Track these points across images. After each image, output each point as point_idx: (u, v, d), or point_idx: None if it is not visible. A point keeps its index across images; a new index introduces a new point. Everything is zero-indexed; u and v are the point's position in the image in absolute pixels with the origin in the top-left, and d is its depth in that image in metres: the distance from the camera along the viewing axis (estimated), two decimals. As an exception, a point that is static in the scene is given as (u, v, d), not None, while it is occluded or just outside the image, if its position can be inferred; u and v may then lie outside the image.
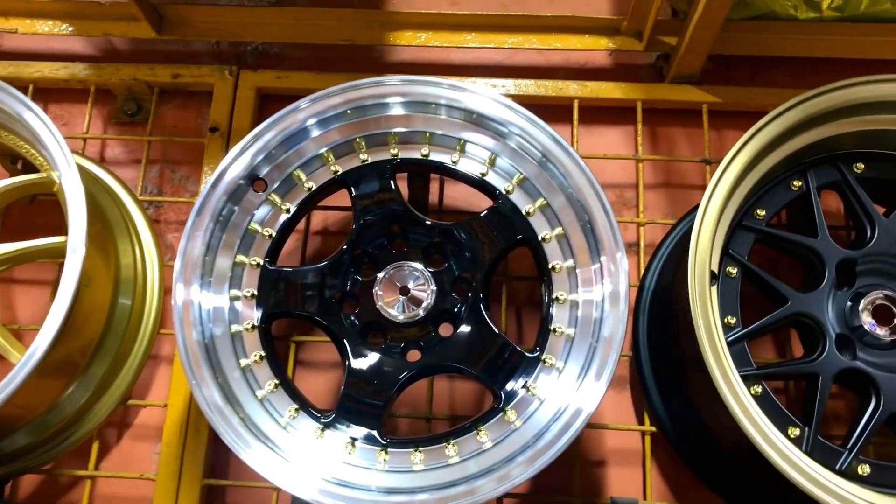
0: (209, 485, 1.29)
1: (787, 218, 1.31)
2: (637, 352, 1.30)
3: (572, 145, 1.51)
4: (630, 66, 1.60)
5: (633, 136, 1.48)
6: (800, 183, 1.16)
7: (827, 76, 1.19)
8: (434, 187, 1.45)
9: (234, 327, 1.10)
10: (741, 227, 1.15)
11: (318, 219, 1.49)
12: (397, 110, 1.18)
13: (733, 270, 1.13)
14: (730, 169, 1.06)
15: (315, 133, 1.17)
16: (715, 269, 1.07)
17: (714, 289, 1.07)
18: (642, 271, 1.36)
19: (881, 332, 1.10)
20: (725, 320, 1.10)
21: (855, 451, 1.05)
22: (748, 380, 1.08)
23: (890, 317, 1.10)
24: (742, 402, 0.97)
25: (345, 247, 1.15)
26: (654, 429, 1.28)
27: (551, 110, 1.52)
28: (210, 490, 1.31)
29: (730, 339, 1.09)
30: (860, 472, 1.04)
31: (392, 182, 1.17)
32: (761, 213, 1.15)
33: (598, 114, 1.55)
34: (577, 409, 1.02)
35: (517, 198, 1.17)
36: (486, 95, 1.15)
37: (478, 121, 1.16)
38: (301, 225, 1.41)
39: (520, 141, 1.14)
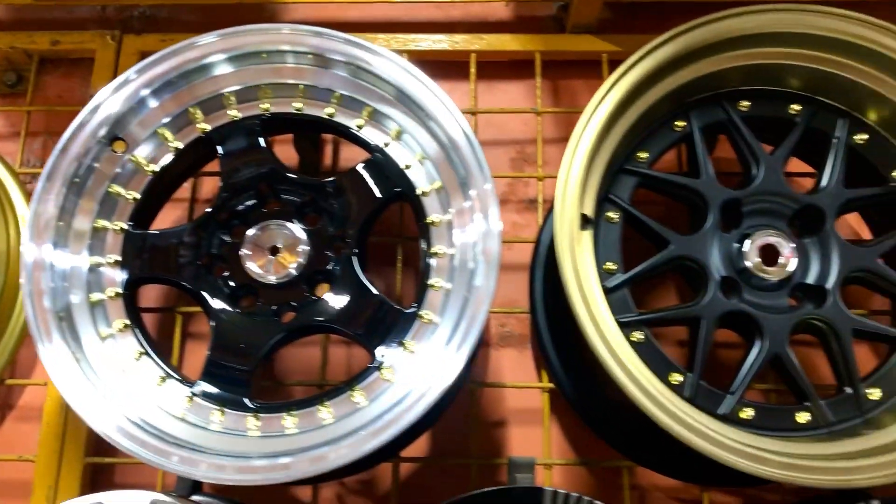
0: (93, 463, 1.24)
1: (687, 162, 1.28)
2: (534, 308, 1.27)
3: (473, 101, 1.49)
4: (532, 19, 1.55)
5: (534, 90, 1.43)
6: (683, 123, 1.12)
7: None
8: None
9: (96, 296, 1.05)
10: (623, 171, 1.11)
11: (212, 185, 1.44)
12: (273, 62, 1.13)
13: (614, 215, 1.09)
14: (600, 110, 1.02)
15: (175, 91, 1.12)
16: (590, 213, 1.03)
17: (589, 234, 1.03)
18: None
19: (768, 272, 1.06)
20: (605, 266, 1.07)
21: (738, 394, 1.02)
22: (628, 326, 1.04)
23: (776, 257, 1.07)
24: (611, 347, 0.93)
25: (209, 210, 1.10)
26: (551, 385, 1.24)
27: (451, 66, 1.48)
28: (95, 469, 1.26)
29: (610, 285, 1.05)
30: (743, 415, 1.01)
31: (261, 139, 1.12)
32: (643, 155, 1.11)
33: (498, 68, 1.51)
34: (451, 361, 0.98)
35: (396, 151, 1.12)
36: (339, 38, 1.10)
37: (326, 62, 1.11)
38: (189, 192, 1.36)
39: (375, 80, 1.10)
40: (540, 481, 1.20)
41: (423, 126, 1.09)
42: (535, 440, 1.29)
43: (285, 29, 1.12)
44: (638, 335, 1.04)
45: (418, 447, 1.30)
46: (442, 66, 1.46)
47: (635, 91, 1.05)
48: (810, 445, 0.97)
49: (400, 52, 1.44)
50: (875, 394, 1.02)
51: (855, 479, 0.89)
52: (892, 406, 1.01)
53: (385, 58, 1.09)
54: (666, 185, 1.11)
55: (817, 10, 1.09)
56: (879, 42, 1.07)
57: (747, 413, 1.01)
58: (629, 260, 1.08)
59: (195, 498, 1.08)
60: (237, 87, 1.14)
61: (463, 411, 1.26)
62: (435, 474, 1.30)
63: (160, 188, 1.15)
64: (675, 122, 1.12)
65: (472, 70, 1.43)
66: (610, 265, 1.07)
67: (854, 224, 1.36)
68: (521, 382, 1.30)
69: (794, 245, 1.07)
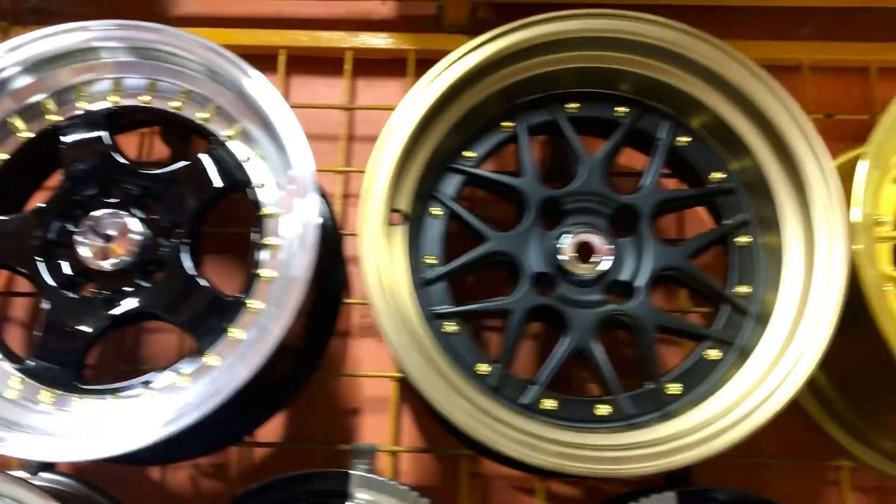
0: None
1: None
2: (381, 299, 1.30)
3: (351, 99, 1.53)
4: (413, 18, 1.59)
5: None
6: (511, 124, 1.16)
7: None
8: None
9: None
10: (450, 169, 1.14)
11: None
12: (113, 55, 1.17)
13: (438, 211, 1.13)
14: (415, 106, 1.06)
15: (30, 80, 1.16)
16: (406, 208, 1.07)
17: (404, 228, 1.07)
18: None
19: (582, 269, 1.10)
20: (425, 259, 1.10)
21: (542, 385, 1.05)
22: (444, 317, 1.08)
23: (591, 254, 1.11)
24: (402, 336, 0.97)
25: (50, 198, 1.14)
26: (401, 374, 1.28)
27: (329, 63, 1.52)
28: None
29: (429, 277, 1.09)
30: (546, 405, 1.05)
31: (105, 131, 1.16)
32: (470, 154, 1.15)
33: (378, 66, 1.54)
34: (267, 346, 1.02)
35: (237, 146, 1.16)
36: (186, 39, 1.14)
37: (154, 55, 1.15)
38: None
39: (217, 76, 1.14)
40: (382, 468, 1.25)
41: (260, 121, 1.13)
42: (387, 428, 1.33)
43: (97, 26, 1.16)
44: (452, 326, 1.08)
45: (273, 432, 1.34)
46: (316, 62, 1.50)
47: (456, 88, 1.09)
48: (609, 436, 1.01)
49: (279, 47, 1.49)
50: (674, 388, 1.06)
51: (622, 468, 0.93)
52: (690, 401, 1.04)
53: (223, 57, 1.13)
54: (490, 184, 1.15)
55: (644, 17, 1.11)
56: (697, 51, 1.10)
57: (550, 404, 1.05)
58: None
59: (43, 475, 1.13)
60: (87, 79, 1.18)
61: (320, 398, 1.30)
62: (290, 459, 1.34)
63: (14, 178, 1.19)
64: (503, 123, 1.16)
65: (347, 67, 1.47)
66: (430, 259, 1.10)
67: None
68: (371, 371, 1.34)
69: (610, 243, 1.11)
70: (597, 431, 1.02)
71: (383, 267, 1.01)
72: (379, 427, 1.35)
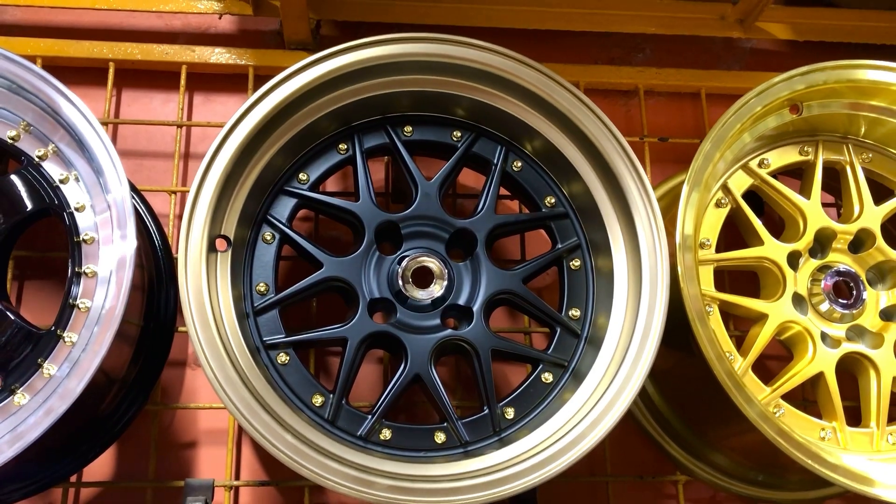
0: None
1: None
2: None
3: (187, 116, 1.46)
4: (255, 33, 1.54)
5: (250, 104, 1.42)
6: (346, 146, 1.13)
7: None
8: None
9: None
10: (284, 192, 1.11)
11: None
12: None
13: (270, 236, 1.08)
14: (240, 126, 1.02)
15: None
16: (231, 234, 1.02)
17: (226, 255, 1.02)
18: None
19: (420, 294, 1.09)
20: (257, 287, 1.06)
21: (378, 415, 1.03)
22: (276, 348, 1.04)
23: (429, 279, 1.09)
24: (229, 372, 0.92)
25: None
26: (237, 406, 1.22)
27: (163, 77, 1.45)
28: None
29: (259, 306, 1.05)
30: (382, 436, 1.03)
31: None
32: (304, 177, 1.12)
33: (216, 82, 1.48)
34: (81, 381, 0.94)
35: (51, 166, 1.08)
36: None
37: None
38: None
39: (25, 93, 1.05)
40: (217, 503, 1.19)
41: (74, 140, 1.06)
42: (224, 461, 1.27)
43: None
44: (284, 357, 1.04)
45: (102, 470, 1.25)
46: (154, 77, 1.43)
47: (288, 107, 1.06)
48: (445, 465, 0.99)
49: (108, 60, 1.40)
50: (510, 413, 1.06)
51: (456, 499, 0.92)
52: (525, 424, 1.05)
53: (28, 70, 1.05)
54: (325, 207, 1.12)
55: (477, 44, 1.11)
56: (525, 77, 1.10)
57: (385, 434, 1.03)
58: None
59: None
60: None
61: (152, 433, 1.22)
62: (120, 498, 1.25)
63: None
64: (340, 145, 1.13)
65: (182, 81, 1.40)
66: (262, 286, 1.06)
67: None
68: (206, 403, 1.28)
69: (448, 268, 1.10)
70: (434, 461, 1.01)
71: (205, 296, 0.96)
72: (216, 460, 1.28)
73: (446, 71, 1.13)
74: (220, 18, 1.49)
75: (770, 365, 1.36)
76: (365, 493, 0.90)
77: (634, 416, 1.30)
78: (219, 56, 1.44)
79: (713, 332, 1.04)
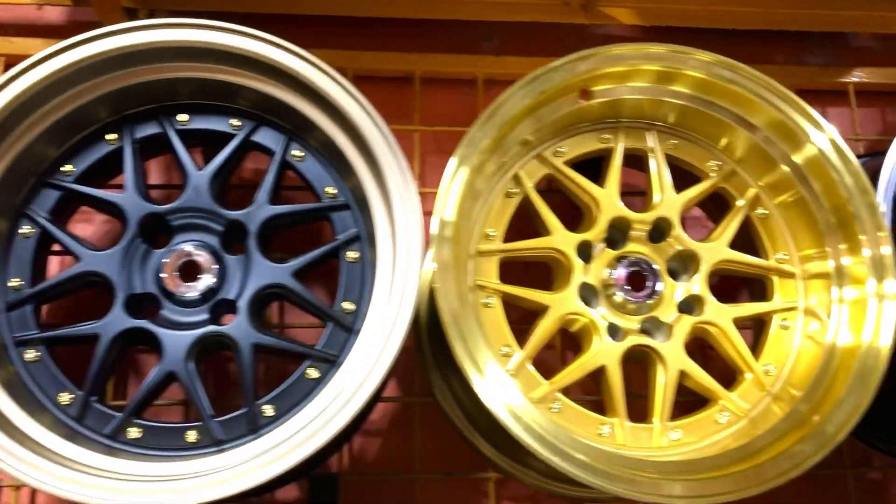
0: None
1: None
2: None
3: None
4: (83, 24, 1.49)
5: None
6: (115, 136, 1.10)
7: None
8: None
9: None
10: (46, 185, 1.07)
11: None
12: None
13: (28, 230, 1.05)
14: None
15: None
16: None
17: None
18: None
19: (184, 289, 1.06)
20: (10, 283, 1.03)
21: (129, 413, 1.00)
22: (25, 344, 1.01)
23: (197, 273, 1.06)
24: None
25: None
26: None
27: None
28: None
29: (11, 301, 1.02)
30: (130, 435, 1.00)
31: None
32: (68, 168, 1.08)
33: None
34: None
35: None
36: None
37: None
38: None
39: None
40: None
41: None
42: None
43: None
44: (33, 353, 1.01)
45: None
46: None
47: (46, 90, 1.02)
48: (196, 462, 0.96)
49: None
50: (269, 410, 1.03)
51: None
52: (284, 422, 1.01)
53: None
54: (89, 200, 1.09)
55: (259, 36, 1.07)
56: (300, 70, 1.06)
57: (134, 433, 1.00)
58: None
59: None
60: None
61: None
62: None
63: None
64: (108, 135, 1.10)
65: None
66: (15, 282, 1.03)
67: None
68: None
69: (216, 261, 1.07)
70: (185, 459, 0.98)
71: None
72: None
73: (231, 61, 1.09)
74: (39, 9, 1.46)
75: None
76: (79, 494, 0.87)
77: (447, 415, 1.26)
78: (37, 48, 1.40)
79: (482, 327, 1.00)
